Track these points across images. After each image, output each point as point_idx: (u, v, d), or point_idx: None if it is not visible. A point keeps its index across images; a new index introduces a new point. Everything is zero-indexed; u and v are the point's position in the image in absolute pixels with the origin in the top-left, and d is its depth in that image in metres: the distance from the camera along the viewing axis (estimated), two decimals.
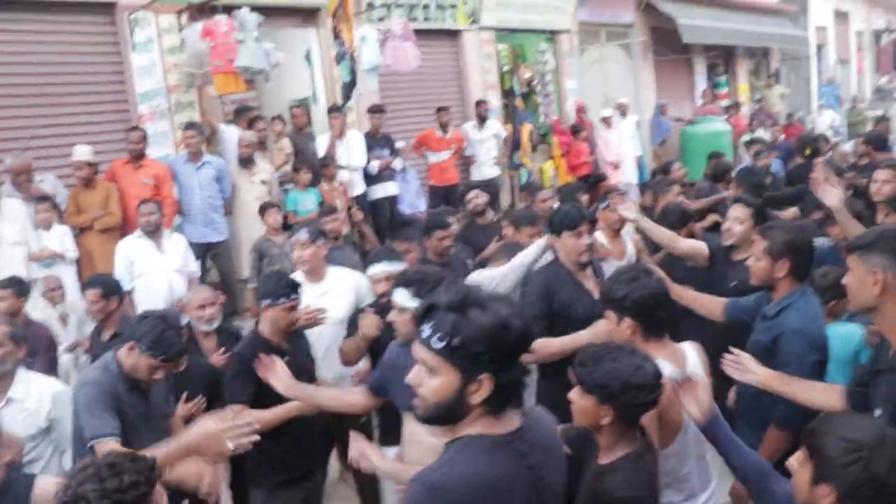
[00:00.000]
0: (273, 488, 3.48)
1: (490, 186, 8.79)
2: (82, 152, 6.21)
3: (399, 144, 8.70)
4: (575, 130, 11.16)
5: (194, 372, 3.79)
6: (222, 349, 4.00)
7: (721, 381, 3.19)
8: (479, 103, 9.99)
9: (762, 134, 12.20)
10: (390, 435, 3.19)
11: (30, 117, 6.50)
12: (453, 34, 10.53)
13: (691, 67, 16.45)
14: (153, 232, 5.81)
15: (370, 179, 8.31)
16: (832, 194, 3.92)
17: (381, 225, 8.36)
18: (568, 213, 3.66)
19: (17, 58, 6.44)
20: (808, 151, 8.29)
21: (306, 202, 7.26)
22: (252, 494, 3.61)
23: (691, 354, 2.70)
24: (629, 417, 2.19)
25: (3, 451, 2.55)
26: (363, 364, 3.93)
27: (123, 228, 6.32)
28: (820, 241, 4.20)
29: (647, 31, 14.40)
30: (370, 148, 8.22)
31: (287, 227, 6.64)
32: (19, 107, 6.45)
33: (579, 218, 3.63)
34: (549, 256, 3.83)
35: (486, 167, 9.87)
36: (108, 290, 4.45)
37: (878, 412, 2.27)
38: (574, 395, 2.23)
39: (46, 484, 2.45)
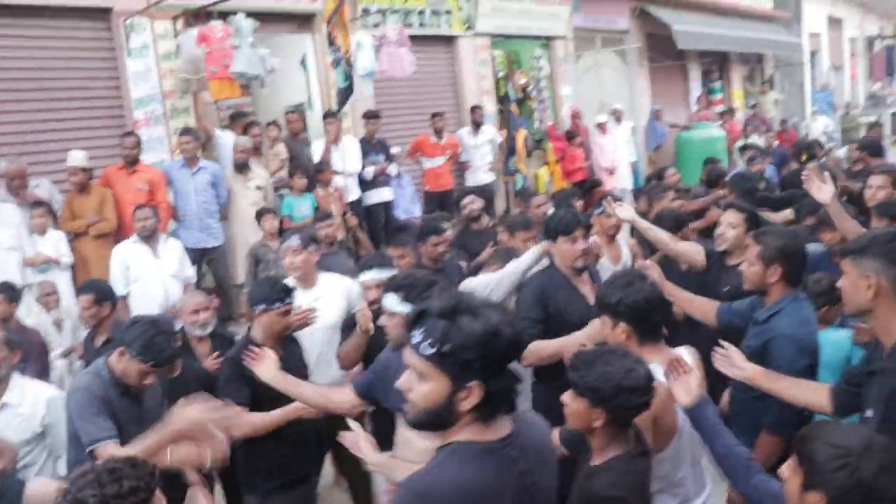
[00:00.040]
0: (267, 494, 3.47)
1: (485, 192, 8.80)
2: (77, 158, 6.20)
3: (394, 150, 8.71)
4: (570, 136, 11.18)
5: (188, 377, 3.78)
6: (216, 353, 4.00)
7: (714, 385, 3.20)
8: (475, 109, 10.01)
9: (756, 140, 12.26)
10: (384, 441, 3.19)
11: (25, 122, 6.50)
12: (449, 40, 10.55)
13: (686, 73, 16.52)
14: (149, 237, 5.81)
15: (365, 185, 8.31)
16: (824, 190, 3.97)
17: (376, 230, 8.36)
18: (563, 219, 3.68)
19: (12, 63, 6.44)
20: (804, 157, 8.34)
21: (301, 208, 7.27)
22: (246, 501, 3.60)
23: (687, 359, 2.71)
24: (621, 420, 2.21)
25: None
26: (358, 370, 3.93)
27: (118, 234, 6.32)
28: (812, 247, 4.22)
29: (642, 37, 14.44)
30: (365, 153, 8.23)
31: (283, 232, 6.64)
32: (14, 112, 6.45)
33: (575, 223, 3.65)
34: (544, 262, 3.85)
35: (481, 173, 9.90)
36: (101, 295, 4.44)
37: (869, 413, 2.29)
38: (567, 397, 2.24)
39: (39, 485, 2.45)
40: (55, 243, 5.87)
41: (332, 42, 7.59)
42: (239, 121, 7.53)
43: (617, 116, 12.28)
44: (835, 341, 3.50)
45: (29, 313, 5.27)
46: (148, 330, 3.06)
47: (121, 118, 7.06)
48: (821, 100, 19.91)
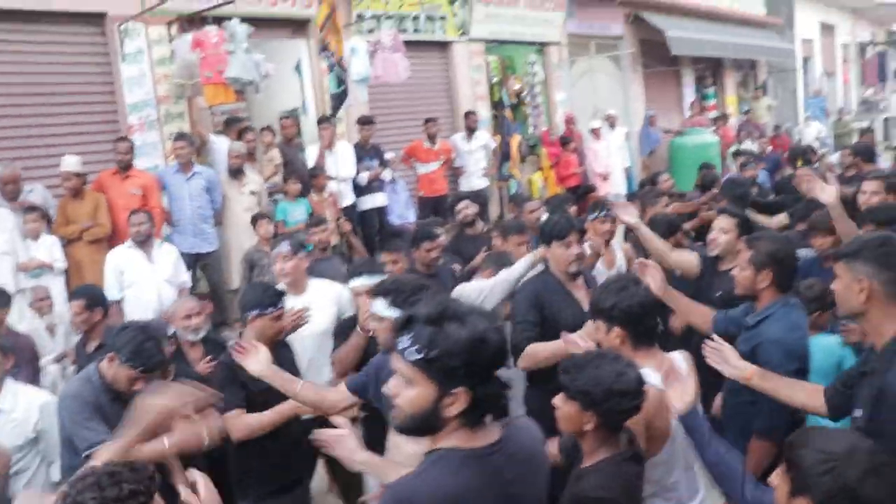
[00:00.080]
0: (259, 499, 3.47)
1: (479, 197, 8.81)
2: (70, 163, 6.20)
3: (388, 155, 8.72)
4: (564, 142, 11.22)
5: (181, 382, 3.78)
6: (208, 357, 3.99)
7: (708, 390, 3.21)
8: (469, 114, 10.03)
9: (750, 145, 12.29)
10: (376, 447, 3.19)
11: (18, 127, 6.49)
12: (443, 46, 10.58)
13: (680, 79, 16.59)
14: (143, 242, 5.80)
15: (359, 190, 8.32)
16: (827, 191, 3.95)
17: (370, 236, 8.37)
18: (558, 224, 3.69)
19: (6, 67, 6.43)
20: (799, 162, 8.39)
21: (295, 213, 7.27)
22: None
23: (681, 364, 2.72)
24: (612, 423, 2.21)
25: None
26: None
27: (112, 239, 6.31)
28: (804, 253, 4.23)
29: (636, 43, 14.50)
30: (359, 159, 8.23)
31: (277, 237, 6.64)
32: (8, 116, 6.44)
33: (569, 228, 3.66)
34: (539, 267, 3.86)
35: (475, 178, 9.90)
36: (92, 301, 4.43)
37: (857, 412, 2.31)
38: (558, 400, 2.25)
39: (27, 498, 2.44)
40: (49, 248, 5.86)
41: (325, 48, 7.60)
42: (233, 126, 7.53)
43: (611, 122, 12.31)
44: (825, 346, 3.52)
45: (22, 318, 5.25)
46: (137, 336, 3.04)
47: (115, 123, 7.05)
48: (813, 105, 20.03)
